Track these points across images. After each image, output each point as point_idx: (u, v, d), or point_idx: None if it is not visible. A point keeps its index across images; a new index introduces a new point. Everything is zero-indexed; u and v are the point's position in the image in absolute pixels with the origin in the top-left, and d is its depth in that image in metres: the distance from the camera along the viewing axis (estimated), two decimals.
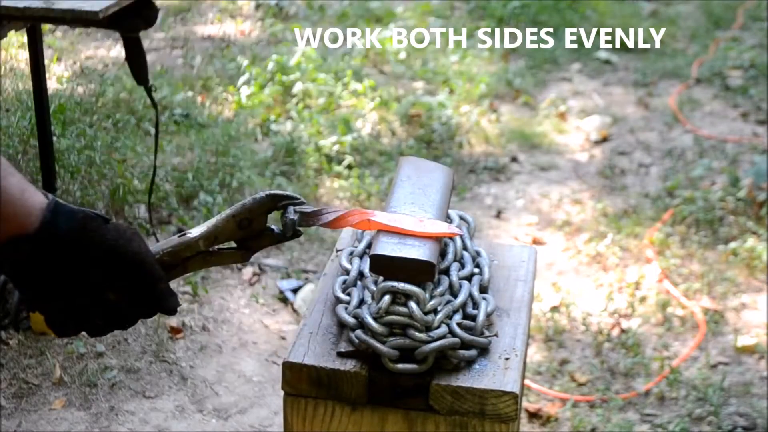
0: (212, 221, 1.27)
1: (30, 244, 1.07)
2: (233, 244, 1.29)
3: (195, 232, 1.26)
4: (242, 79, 4.83)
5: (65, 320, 1.14)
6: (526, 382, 2.97)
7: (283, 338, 3.24)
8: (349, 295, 1.48)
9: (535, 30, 5.96)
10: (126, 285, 1.13)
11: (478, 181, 4.35)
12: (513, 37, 5.87)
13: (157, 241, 3.59)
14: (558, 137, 4.81)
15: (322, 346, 1.43)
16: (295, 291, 3.44)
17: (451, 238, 1.54)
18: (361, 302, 1.45)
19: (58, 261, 1.09)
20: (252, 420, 2.90)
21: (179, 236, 1.27)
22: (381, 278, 1.39)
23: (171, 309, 1.18)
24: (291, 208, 1.31)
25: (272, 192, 1.31)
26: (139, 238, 1.14)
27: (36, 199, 1.07)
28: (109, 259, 1.11)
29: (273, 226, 1.31)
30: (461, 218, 1.65)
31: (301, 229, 1.31)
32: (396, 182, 1.54)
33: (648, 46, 5.89)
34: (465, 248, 1.57)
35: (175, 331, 3.22)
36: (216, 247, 1.28)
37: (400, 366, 1.36)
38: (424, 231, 1.38)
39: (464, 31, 5.84)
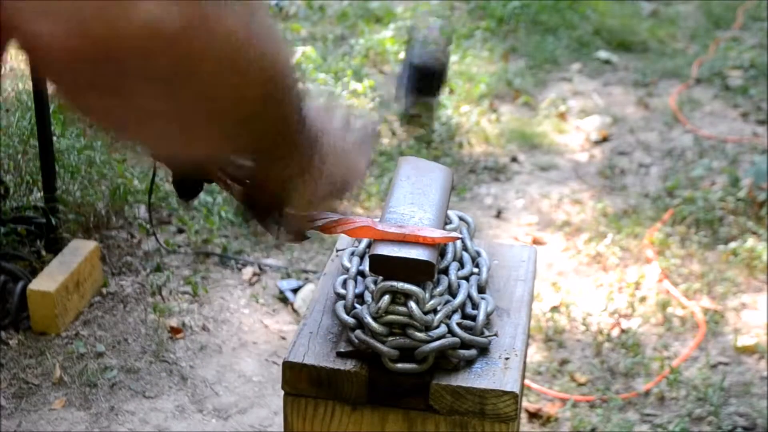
0: None
1: None
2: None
3: None
4: None
5: None
6: (526, 382, 2.97)
7: (283, 338, 3.24)
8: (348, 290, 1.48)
9: (535, 30, 5.97)
10: None
11: (478, 181, 4.35)
12: (513, 37, 5.87)
13: (157, 241, 3.60)
14: (558, 137, 4.81)
15: (322, 346, 1.43)
16: (295, 291, 3.44)
17: None
18: (359, 297, 1.45)
19: None
20: (252, 420, 2.90)
21: None
22: (381, 278, 1.39)
23: None
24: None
25: None
26: None
27: None
28: None
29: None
30: (461, 219, 1.65)
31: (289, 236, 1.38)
32: (395, 182, 1.54)
33: (648, 46, 5.89)
34: (465, 248, 1.57)
35: (175, 331, 3.22)
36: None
37: (399, 366, 1.36)
38: (420, 235, 1.38)
39: (464, 31, 5.85)
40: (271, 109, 0.88)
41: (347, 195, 1.25)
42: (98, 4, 0.68)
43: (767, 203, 3.95)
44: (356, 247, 1.61)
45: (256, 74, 0.81)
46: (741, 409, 2.99)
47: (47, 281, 3.11)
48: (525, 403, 2.96)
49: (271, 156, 0.98)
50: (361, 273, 1.53)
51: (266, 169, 1.05)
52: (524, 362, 1.50)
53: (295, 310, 3.38)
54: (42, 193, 3.38)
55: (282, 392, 1.43)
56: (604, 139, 4.80)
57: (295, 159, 1.02)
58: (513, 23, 6.04)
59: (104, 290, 3.38)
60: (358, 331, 1.39)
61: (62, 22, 0.69)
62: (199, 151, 0.87)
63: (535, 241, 3.88)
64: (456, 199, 4.14)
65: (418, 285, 1.36)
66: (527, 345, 1.68)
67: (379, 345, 1.36)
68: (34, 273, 3.19)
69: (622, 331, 3.34)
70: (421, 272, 1.36)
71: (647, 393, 3.06)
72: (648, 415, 2.98)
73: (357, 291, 1.48)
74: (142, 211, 3.76)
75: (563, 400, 3.01)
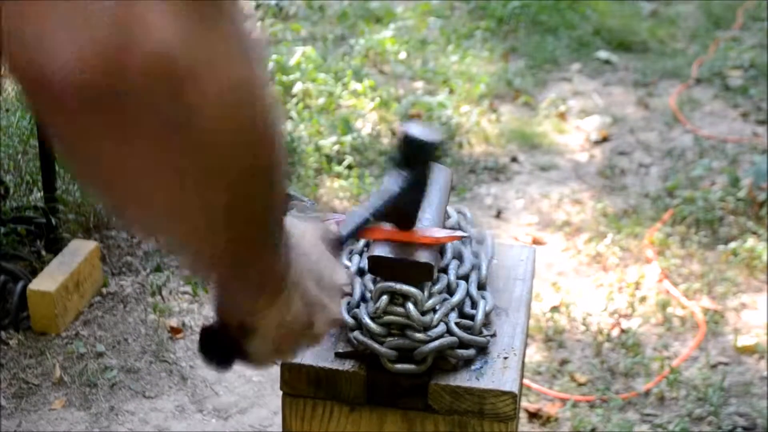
0: None
1: None
2: None
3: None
4: None
5: None
6: (526, 382, 2.97)
7: None
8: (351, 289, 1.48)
9: (535, 30, 5.96)
10: None
11: (478, 181, 4.35)
12: (513, 37, 5.87)
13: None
14: (558, 137, 4.81)
15: (320, 346, 1.43)
16: None
17: None
18: (363, 299, 1.45)
19: None
20: (252, 420, 2.90)
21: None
22: (379, 278, 1.39)
23: None
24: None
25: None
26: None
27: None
28: None
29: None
30: (458, 212, 1.65)
31: None
32: None
33: (648, 46, 5.89)
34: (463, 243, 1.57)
35: (175, 331, 3.22)
36: None
37: (398, 366, 1.36)
38: (429, 235, 1.38)
39: (464, 31, 5.84)
40: (257, 189, 0.80)
41: (316, 342, 1.07)
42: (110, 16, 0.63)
43: (767, 203, 3.95)
44: (355, 246, 1.61)
45: (253, 136, 0.75)
46: (741, 409, 2.99)
47: (47, 281, 3.11)
48: (525, 403, 2.96)
49: (237, 262, 0.86)
50: (360, 272, 1.53)
51: (227, 284, 0.93)
52: (523, 362, 1.50)
53: None
54: (42, 193, 3.38)
55: (281, 392, 1.43)
56: (604, 139, 4.80)
57: (264, 273, 0.91)
58: (513, 23, 6.04)
59: (104, 290, 3.38)
60: (356, 332, 1.39)
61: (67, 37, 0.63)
62: (180, 231, 0.79)
63: (535, 241, 3.88)
64: (456, 199, 4.14)
65: (416, 286, 1.36)
66: (526, 344, 1.68)
67: (377, 346, 1.36)
68: (34, 273, 3.19)
69: (622, 331, 3.34)
70: (420, 274, 1.36)
71: (647, 393, 3.06)
72: (648, 415, 2.98)
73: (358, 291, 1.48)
74: None
75: (563, 400, 3.01)
